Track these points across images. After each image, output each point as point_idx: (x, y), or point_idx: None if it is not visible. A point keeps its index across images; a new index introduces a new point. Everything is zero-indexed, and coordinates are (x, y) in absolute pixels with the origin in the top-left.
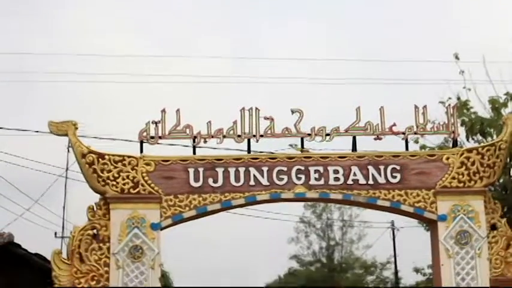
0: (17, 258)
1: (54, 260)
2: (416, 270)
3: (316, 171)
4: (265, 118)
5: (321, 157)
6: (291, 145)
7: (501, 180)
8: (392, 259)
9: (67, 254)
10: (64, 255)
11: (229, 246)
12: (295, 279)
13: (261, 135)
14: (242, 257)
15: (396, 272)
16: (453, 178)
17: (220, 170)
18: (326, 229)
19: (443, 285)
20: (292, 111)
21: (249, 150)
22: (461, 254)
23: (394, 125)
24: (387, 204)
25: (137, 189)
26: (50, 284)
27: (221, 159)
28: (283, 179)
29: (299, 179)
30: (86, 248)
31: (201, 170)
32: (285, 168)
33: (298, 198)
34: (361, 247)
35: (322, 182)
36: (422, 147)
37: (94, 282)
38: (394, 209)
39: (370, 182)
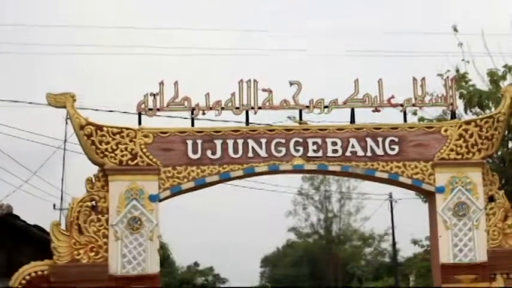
0: (16, 229)
1: (53, 231)
2: (414, 242)
3: (314, 143)
4: (264, 90)
5: (319, 129)
6: (289, 117)
7: (499, 153)
8: (390, 231)
9: (66, 225)
10: (63, 227)
11: (228, 220)
12: (294, 251)
13: (259, 107)
14: (241, 230)
15: (394, 244)
16: (451, 150)
17: (218, 142)
18: (324, 201)
19: (441, 257)
20: (291, 83)
21: (247, 122)
22: (459, 225)
23: (393, 97)
24: (385, 176)
25: (135, 161)
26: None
27: (219, 131)
28: (281, 151)
29: (297, 151)
30: (85, 219)
31: (199, 142)
32: (283, 140)
33: (297, 170)
34: (359, 219)
35: (320, 154)
36: (421, 119)
37: (93, 253)
38: (392, 181)
39: (368, 153)
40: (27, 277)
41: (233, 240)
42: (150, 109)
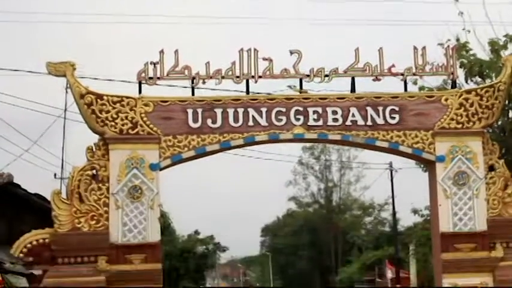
0: (16, 198)
1: (54, 199)
2: (414, 212)
3: (314, 112)
4: (264, 59)
5: (320, 98)
6: (289, 86)
7: (499, 122)
8: (390, 200)
9: (66, 194)
10: (64, 196)
11: (229, 191)
12: (294, 220)
13: (260, 76)
14: (241, 200)
15: (394, 213)
16: (452, 119)
17: (218, 111)
18: (324, 171)
19: (440, 226)
20: (291, 52)
21: (247, 91)
22: (459, 194)
23: (393, 66)
24: (385, 145)
25: (136, 130)
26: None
27: (220, 100)
28: (281, 119)
29: (298, 120)
30: (85, 188)
31: (199, 110)
32: (283, 109)
33: (297, 139)
34: (359, 188)
35: (320, 123)
36: (421, 88)
37: (94, 221)
38: (393, 150)
39: (369, 123)
40: (29, 245)
41: (233, 210)
42: (151, 78)
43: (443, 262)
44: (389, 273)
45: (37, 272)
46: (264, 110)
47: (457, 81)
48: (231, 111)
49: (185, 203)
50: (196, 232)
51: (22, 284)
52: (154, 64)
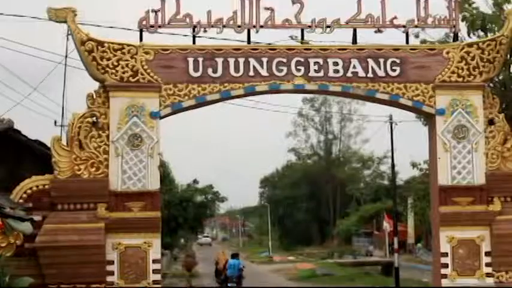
0: (17, 144)
1: (54, 146)
2: (413, 165)
3: (315, 63)
4: (266, 9)
5: (321, 49)
6: (291, 36)
7: (500, 76)
8: (390, 153)
9: (66, 141)
10: (64, 143)
11: (228, 142)
12: (293, 172)
13: (261, 26)
14: (241, 151)
15: (393, 166)
16: (452, 72)
17: (219, 60)
18: (324, 123)
19: (439, 179)
20: (293, 2)
21: (248, 41)
22: (458, 148)
23: (395, 18)
24: (386, 97)
25: (136, 78)
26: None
27: (221, 49)
28: (282, 70)
29: (298, 70)
30: (86, 135)
31: (200, 59)
32: (284, 60)
33: (298, 90)
34: (359, 141)
35: (321, 74)
36: (423, 42)
37: (94, 168)
38: (393, 102)
39: (370, 74)
40: (28, 191)
41: (235, 161)
42: (152, 26)
43: (441, 215)
44: (387, 226)
45: (37, 217)
46: (264, 60)
47: (459, 35)
48: (231, 60)
49: (185, 153)
50: (195, 181)
51: (26, 228)
52: (156, 12)
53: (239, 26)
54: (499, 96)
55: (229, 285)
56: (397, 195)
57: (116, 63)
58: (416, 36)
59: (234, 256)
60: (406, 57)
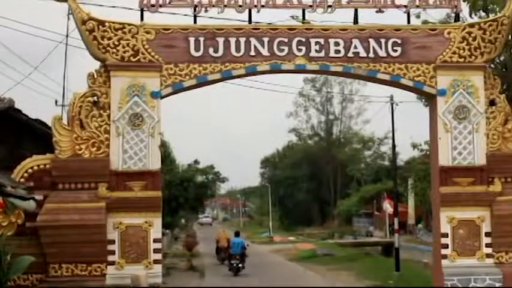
0: (17, 123)
1: (55, 125)
2: (414, 146)
3: (317, 43)
4: None
5: (322, 29)
6: (292, 16)
7: (502, 58)
8: (390, 134)
9: (67, 120)
10: (65, 122)
11: (230, 122)
12: (294, 152)
13: (262, 6)
14: (242, 132)
15: (394, 147)
16: (454, 53)
17: (220, 40)
18: (325, 103)
19: (440, 159)
20: None
21: (250, 21)
22: (459, 128)
23: None
24: (387, 77)
25: (137, 57)
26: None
27: (222, 29)
28: (283, 50)
29: (300, 50)
30: (86, 114)
31: (201, 39)
32: (285, 40)
33: (299, 70)
34: (360, 122)
35: (322, 54)
36: (424, 22)
37: (95, 148)
38: (394, 83)
39: (371, 55)
40: (30, 170)
41: (235, 142)
42: (153, 5)
43: (442, 195)
44: (388, 207)
45: (38, 197)
46: (266, 39)
47: (461, 15)
48: (233, 40)
49: (186, 134)
50: (196, 162)
51: (30, 205)
52: None
53: (240, 6)
54: (500, 77)
55: (232, 262)
56: (397, 176)
57: (116, 43)
58: (418, 16)
59: (237, 235)
60: (407, 37)
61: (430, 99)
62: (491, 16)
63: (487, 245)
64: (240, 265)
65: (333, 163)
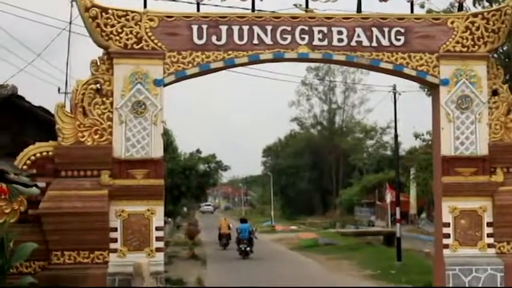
0: (20, 110)
1: (58, 113)
2: (416, 136)
3: (320, 31)
4: None
5: (325, 17)
6: (295, 5)
7: (505, 48)
8: (393, 124)
9: (70, 107)
10: (67, 110)
11: (232, 111)
12: (296, 141)
13: None
14: (244, 122)
15: (396, 137)
16: (457, 42)
17: (223, 28)
18: (328, 92)
19: (442, 149)
20: None
21: (253, 9)
22: (462, 118)
23: None
24: (390, 67)
25: (140, 45)
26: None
27: (225, 17)
28: (286, 38)
29: (303, 39)
30: (89, 102)
31: (204, 27)
32: (288, 28)
33: (301, 59)
34: (363, 111)
35: (325, 42)
36: (428, 11)
37: (97, 136)
38: (397, 72)
39: (374, 44)
40: (32, 157)
41: (236, 130)
42: None
43: (444, 185)
44: (389, 197)
45: (41, 184)
46: (269, 28)
47: (464, 5)
48: (236, 28)
49: (188, 123)
50: (198, 151)
51: (34, 191)
52: None
53: None
54: (503, 67)
55: (240, 246)
56: (399, 165)
57: (120, 30)
58: (421, 6)
59: (243, 221)
60: (410, 26)
61: (432, 89)
62: (495, 6)
63: (489, 235)
64: (247, 248)
65: (335, 152)
